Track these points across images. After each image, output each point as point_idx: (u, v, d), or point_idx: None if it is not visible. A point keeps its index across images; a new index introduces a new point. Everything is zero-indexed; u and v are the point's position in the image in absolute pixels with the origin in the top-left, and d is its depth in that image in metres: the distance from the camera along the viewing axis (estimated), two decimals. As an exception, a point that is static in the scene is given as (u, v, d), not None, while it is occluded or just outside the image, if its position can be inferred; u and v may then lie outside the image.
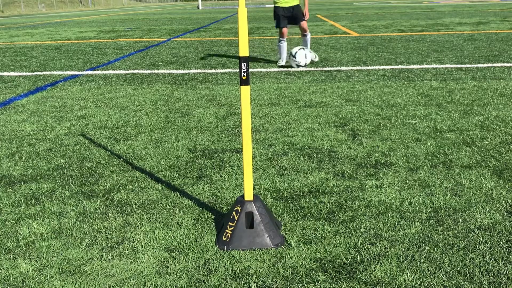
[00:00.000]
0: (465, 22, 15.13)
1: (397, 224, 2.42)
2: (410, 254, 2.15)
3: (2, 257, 2.24)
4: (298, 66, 7.18)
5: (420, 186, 2.89)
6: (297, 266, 2.09)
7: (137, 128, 4.27)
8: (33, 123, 4.56)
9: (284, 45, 7.51)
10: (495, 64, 7.07)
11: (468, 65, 7.05)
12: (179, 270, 2.09)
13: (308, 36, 7.53)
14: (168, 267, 2.12)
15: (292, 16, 7.32)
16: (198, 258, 2.18)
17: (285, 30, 7.37)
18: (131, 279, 2.03)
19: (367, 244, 2.25)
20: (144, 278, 2.04)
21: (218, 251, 2.23)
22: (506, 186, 2.85)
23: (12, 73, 7.55)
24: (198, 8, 37.96)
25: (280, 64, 7.55)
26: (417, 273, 2.02)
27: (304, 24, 7.35)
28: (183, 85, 6.22)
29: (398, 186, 2.88)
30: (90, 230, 2.46)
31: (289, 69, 7.23)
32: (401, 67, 7.12)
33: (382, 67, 7.18)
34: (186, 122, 4.45)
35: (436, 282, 1.95)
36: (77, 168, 3.34)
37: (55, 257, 2.22)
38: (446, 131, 3.92)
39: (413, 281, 1.97)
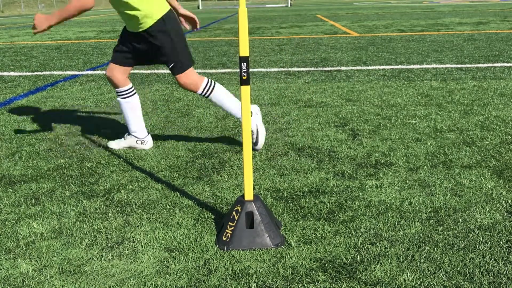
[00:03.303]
0: (465, 22, 15.13)
1: (397, 224, 2.43)
2: (410, 254, 2.15)
3: (2, 257, 2.24)
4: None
5: (420, 186, 2.89)
6: (297, 266, 2.09)
7: (137, 128, 4.27)
8: (33, 123, 4.56)
9: (128, 105, 3.48)
10: (495, 64, 7.07)
11: (468, 65, 7.05)
12: (179, 270, 2.09)
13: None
14: (168, 267, 2.12)
15: (144, 53, 3.30)
16: (198, 258, 2.18)
17: (114, 68, 3.39)
18: (131, 279, 2.03)
19: (367, 244, 2.25)
20: (144, 278, 2.04)
21: (218, 251, 2.23)
22: (506, 186, 2.85)
23: (12, 73, 7.55)
24: (198, 8, 37.96)
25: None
26: (417, 273, 2.02)
27: (184, 76, 3.31)
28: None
29: (398, 186, 2.88)
30: (90, 230, 2.46)
31: (289, 68, 7.22)
32: (401, 67, 7.12)
33: (382, 67, 7.18)
34: (186, 122, 4.45)
35: (436, 282, 1.96)
36: (77, 168, 3.34)
37: (55, 257, 2.22)
38: (446, 131, 3.92)
39: (413, 281, 1.97)
